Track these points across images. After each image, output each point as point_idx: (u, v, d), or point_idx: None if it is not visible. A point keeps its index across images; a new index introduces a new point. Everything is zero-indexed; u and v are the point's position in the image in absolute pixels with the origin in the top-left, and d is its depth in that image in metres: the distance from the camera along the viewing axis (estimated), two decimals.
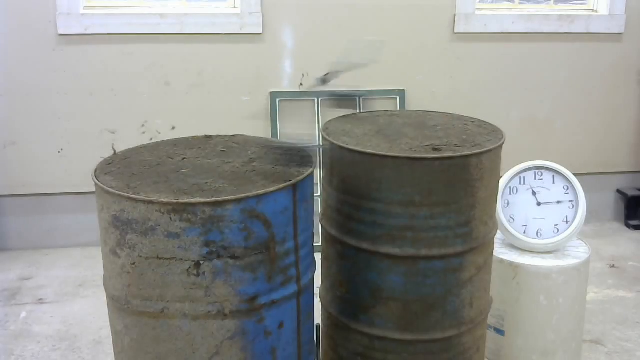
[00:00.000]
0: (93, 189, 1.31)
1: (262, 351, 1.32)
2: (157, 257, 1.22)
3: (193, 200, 1.19)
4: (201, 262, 1.22)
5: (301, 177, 1.32)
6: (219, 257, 1.23)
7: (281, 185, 1.27)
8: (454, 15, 3.19)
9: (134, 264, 1.24)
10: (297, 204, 1.31)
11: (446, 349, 1.62)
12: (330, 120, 1.80)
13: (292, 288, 1.35)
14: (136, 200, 1.21)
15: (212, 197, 1.21)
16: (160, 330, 1.27)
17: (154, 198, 1.20)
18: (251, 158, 1.46)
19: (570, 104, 3.43)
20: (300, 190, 1.32)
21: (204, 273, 1.23)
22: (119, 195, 1.23)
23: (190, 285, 1.23)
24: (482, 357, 1.76)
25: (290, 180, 1.29)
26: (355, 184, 1.54)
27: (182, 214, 1.19)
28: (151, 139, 3.05)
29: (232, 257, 1.23)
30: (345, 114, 1.86)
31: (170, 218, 1.19)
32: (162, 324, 1.26)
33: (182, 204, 1.19)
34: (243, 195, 1.21)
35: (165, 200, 1.19)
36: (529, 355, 2.03)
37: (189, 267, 1.22)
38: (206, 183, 1.29)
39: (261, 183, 1.29)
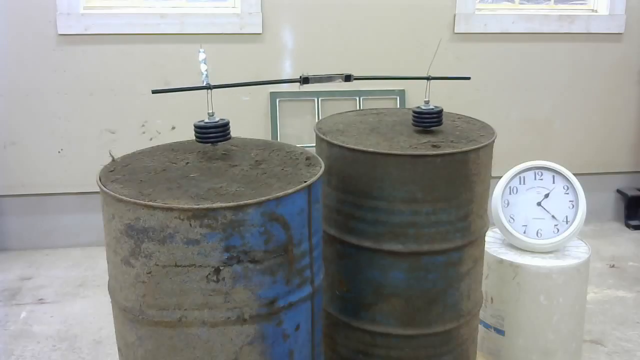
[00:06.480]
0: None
1: (280, 354, 1.31)
2: (175, 265, 1.19)
3: (214, 205, 1.17)
4: (221, 268, 1.20)
5: (315, 178, 1.31)
6: (239, 261, 1.20)
7: (299, 187, 1.25)
8: (454, 15, 3.19)
9: (149, 273, 1.21)
10: (311, 205, 1.30)
11: (446, 342, 1.64)
12: (321, 120, 1.80)
13: (307, 289, 1.34)
14: (153, 208, 1.17)
15: (233, 201, 1.19)
16: (177, 340, 1.24)
17: (173, 204, 1.17)
18: (256, 160, 1.44)
19: (570, 104, 3.43)
20: (313, 191, 1.31)
21: (223, 279, 1.21)
22: (134, 203, 1.19)
23: (209, 291, 1.21)
24: (476, 347, 1.81)
25: (306, 182, 1.28)
26: (356, 182, 1.54)
27: (203, 220, 1.16)
28: (151, 139, 3.05)
29: (252, 261, 1.22)
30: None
31: (190, 224, 1.17)
32: (179, 333, 1.24)
33: (203, 209, 1.16)
34: (264, 198, 1.19)
35: (186, 206, 1.16)
36: (529, 355, 2.03)
37: (209, 274, 1.20)
38: (221, 187, 1.27)
39: (277, 185, 1.27)
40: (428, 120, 1.64)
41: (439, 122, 1.65)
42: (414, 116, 1.65)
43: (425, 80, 1.68)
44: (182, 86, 1.55)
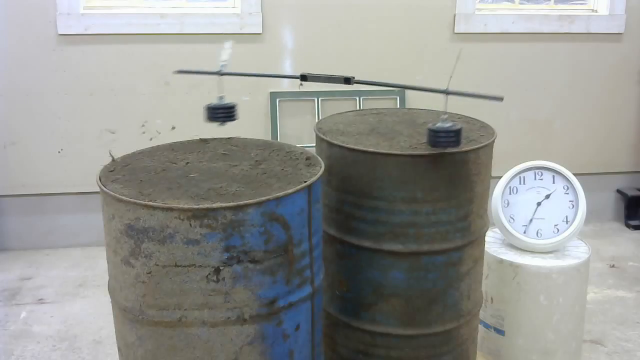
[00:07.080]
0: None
1: (280, 354, 1.31)
2: (175, 265, 1.20)
3: (214, 205, 1.17)
4: (221, 268, 1.20)
5: (315, 178, 1.31)
6: (239, 261, 1.21)
7: (299, 187, 1.25)
8: (454, 15, 3.19)
9: (149, 273, 1.21)
10: (311, 205, 1.30)
11: (446, 342, 1.65)
12: (321, 120, 1.80)
13: (307, 289, 1.34)
14: (154, 208, 1.17)
15: (232, 201, 1.19)
16: (177, 340, 1.24)
17: (173, 204, 1.17)
18: (256, 160, 1.45)
19: (570, 104, 3.43)
20: (314, 191, 1.31)
21: (223, 279, 1.21)
22: (134, 203, 1.19)
23: (209, 291, 1.21)
24: (476, 347, 1.81)
25: (306, 182, 1.28)
26: (356, 182, 1.54)
27: (203, 220, 1.17)
28: (151, 139, 3.05)
29: (252, 261, 1.22)
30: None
31: (190, 224, 1.17)
32: (179, 333, 1.24)
33: (203, 209, 1.16)
34: (264, 198, 1.20)
35: (186, 206, 1.16)
36: (529, 355, 2.03)
37: (209, 274, 1.20)
38: (221, 187, 1.27)
39: (277, 185, 1.28)
40: (445, 140, 1.43)
41: (457, 143, 1.44)
42: (430, 135, 1.45)
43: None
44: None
